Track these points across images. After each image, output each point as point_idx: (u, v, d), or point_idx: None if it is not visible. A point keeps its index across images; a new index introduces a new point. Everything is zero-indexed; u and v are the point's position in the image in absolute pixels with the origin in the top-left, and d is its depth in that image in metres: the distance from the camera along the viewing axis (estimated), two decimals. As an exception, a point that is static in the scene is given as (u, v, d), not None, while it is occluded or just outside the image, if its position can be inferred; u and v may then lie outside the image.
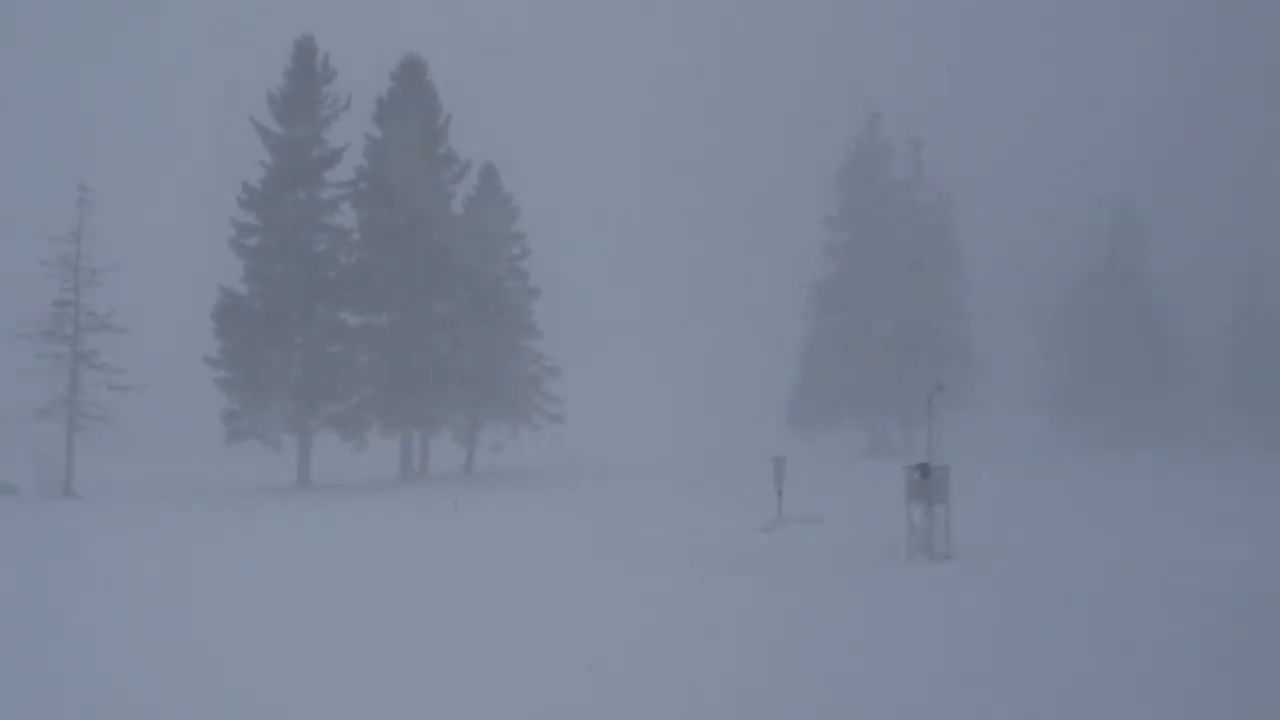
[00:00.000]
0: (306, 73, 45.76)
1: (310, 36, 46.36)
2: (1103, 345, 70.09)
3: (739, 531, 23.41)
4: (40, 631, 14.13)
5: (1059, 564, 18.31)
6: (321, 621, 14.62)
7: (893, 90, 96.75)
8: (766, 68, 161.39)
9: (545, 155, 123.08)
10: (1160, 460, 50.47)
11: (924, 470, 19.26)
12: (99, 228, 44.30)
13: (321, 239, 46.10)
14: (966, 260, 66.19)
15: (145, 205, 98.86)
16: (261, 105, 46.12)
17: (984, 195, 77.70)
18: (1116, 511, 27.58)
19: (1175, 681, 10.99)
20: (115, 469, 48.52)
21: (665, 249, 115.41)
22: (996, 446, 56.11)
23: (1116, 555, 19.23)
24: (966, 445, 47.91)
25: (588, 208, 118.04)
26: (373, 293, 46.38)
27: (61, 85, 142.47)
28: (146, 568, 20.00)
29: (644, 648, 12.67)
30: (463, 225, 49.33)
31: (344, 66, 47.15)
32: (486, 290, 49.20)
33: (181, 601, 16.31)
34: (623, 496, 35.23)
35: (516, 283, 51.22)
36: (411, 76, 48.60)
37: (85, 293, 43.50)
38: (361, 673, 11.65)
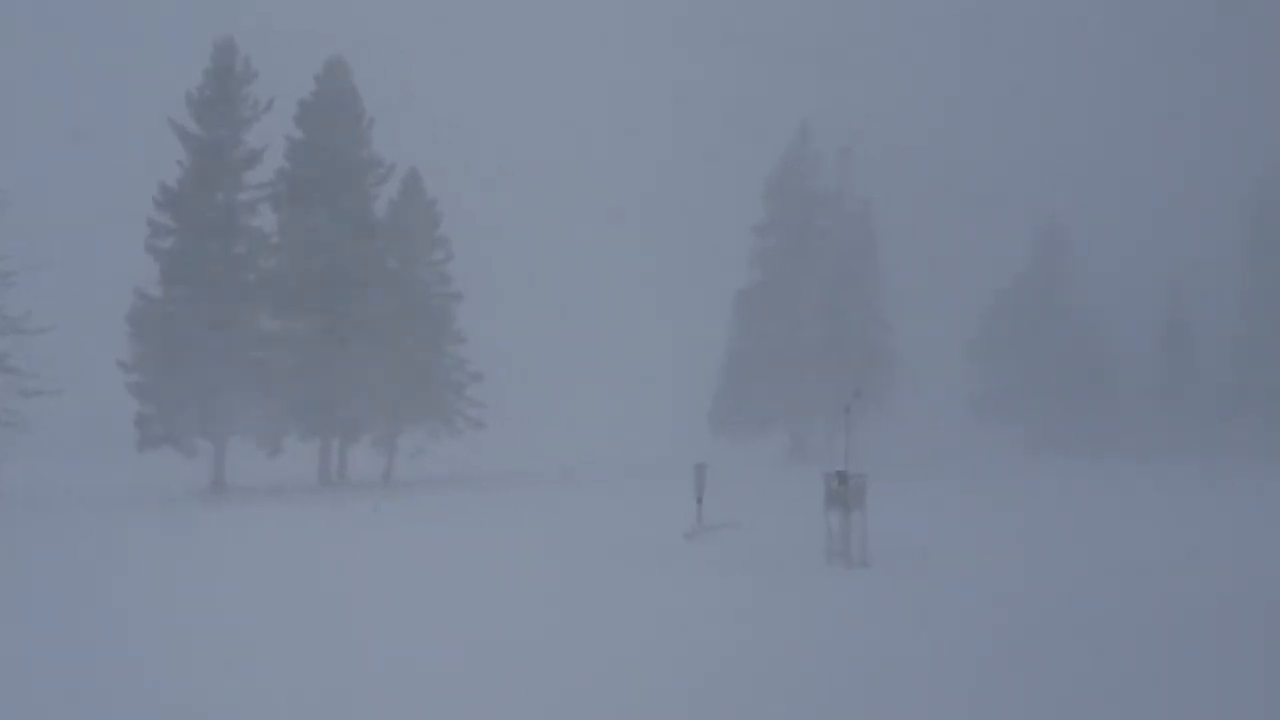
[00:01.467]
0: (226, 73, 45.06)
1: (230, 36, 45.69)
2: (1029, 353, 71.25)
3: (661, 537, 23.41)
4: None
5: (974, 571, 18.51)
6: (269, 627, 14.35)
7: (826, 101, 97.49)
8: (711, 72, 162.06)
9: (491, 157, 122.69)
10: (1084, 467, 51.45)
11: (841, 477, 19.39)
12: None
13: (240, 241, 45.38)
14: (893, 269, 66.88)
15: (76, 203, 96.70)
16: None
17: (913, 205, 78.62)
18: (1038, 518, 27.97)
19: (1088, 684, 11.11)
20: (18, 473, 47.29)
21: (603, 252, 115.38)
22: (922, 454, 56.82)
23: (1036, 562, 19.49)
24: (892, 452, 48.54)
25: (527, 209, 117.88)
26: (292, 296, 45.76)
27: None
28: (74, 574, 19.52)
29: (557, 652, 12.58)
30: (385, 229, 48.89)
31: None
32: (409, 295, 48.84)
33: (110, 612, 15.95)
34: (546, 502, 35.16)
35: (440, 287, 50.84)
36: (335, 78, 48.03)
37: (-4, 294, 42.39)
38: (311, 676, 11.46)
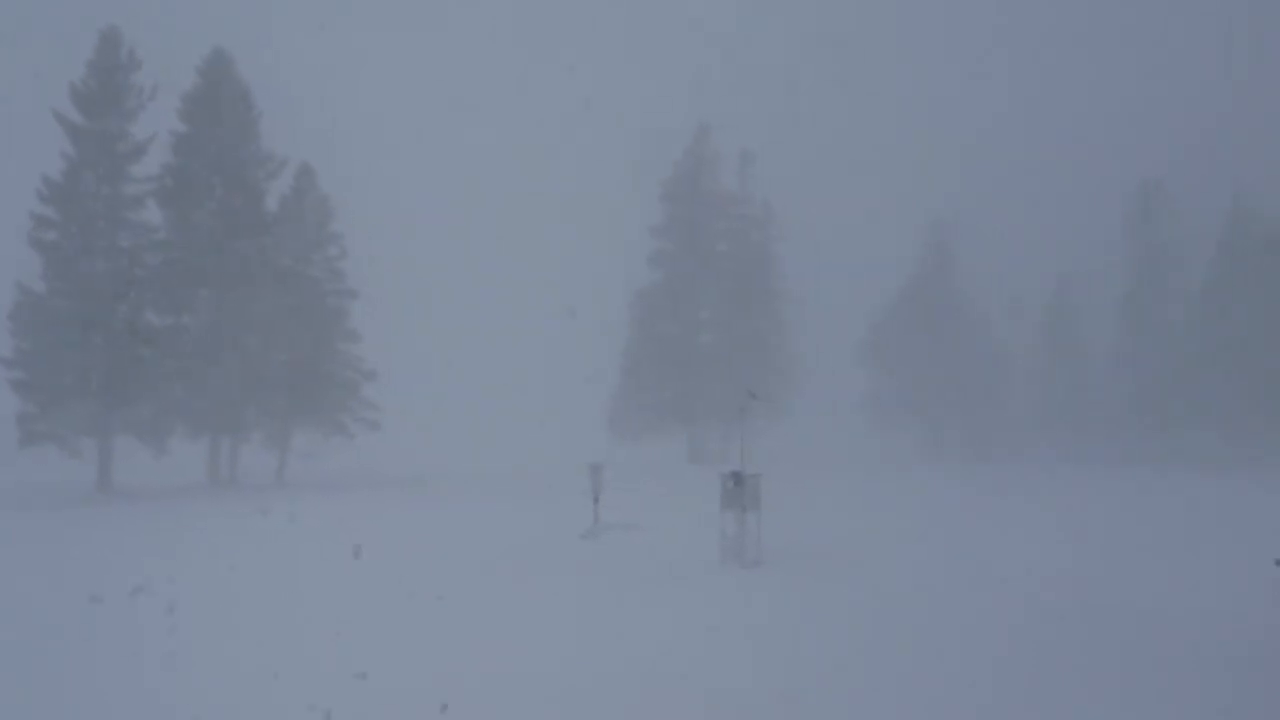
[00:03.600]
0: (111, 63, 43.91)
1: (115, 26, 44.51)
2: (917, 357, 72.30)
3: (557, 538, 23.37)
4: None
5: (865, 571, 18.77)
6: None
7: (724, 101, 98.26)
8: (610, 70, 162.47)
9: (385, 154, 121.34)
10: (972, 470, 52.51)
11: (737, 478, 19.53)
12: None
13: (125, 235, 44.23)
14: (789, 272, 67.43)
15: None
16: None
17: (809, 208, 79.44)
18: (925, 519, 28.43)
19: (969, 677, 11.32)
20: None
21: (498, 252, 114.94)
22: (815, 455, 57.50)
23: (922, 561, 19.81)
24: (786, 453, 48.99)
25: (422, 210, 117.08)
26: (180, 292, 44.73)
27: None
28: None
29: (452, 653, 12.48)
30: (276, 225, 48.03)
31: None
32: (301, 292, 48.03)
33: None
34: (443, 503, 34.89)
35: (334, 285, 50.06)
36: (217, 71, 47.03)
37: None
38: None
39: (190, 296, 45.14)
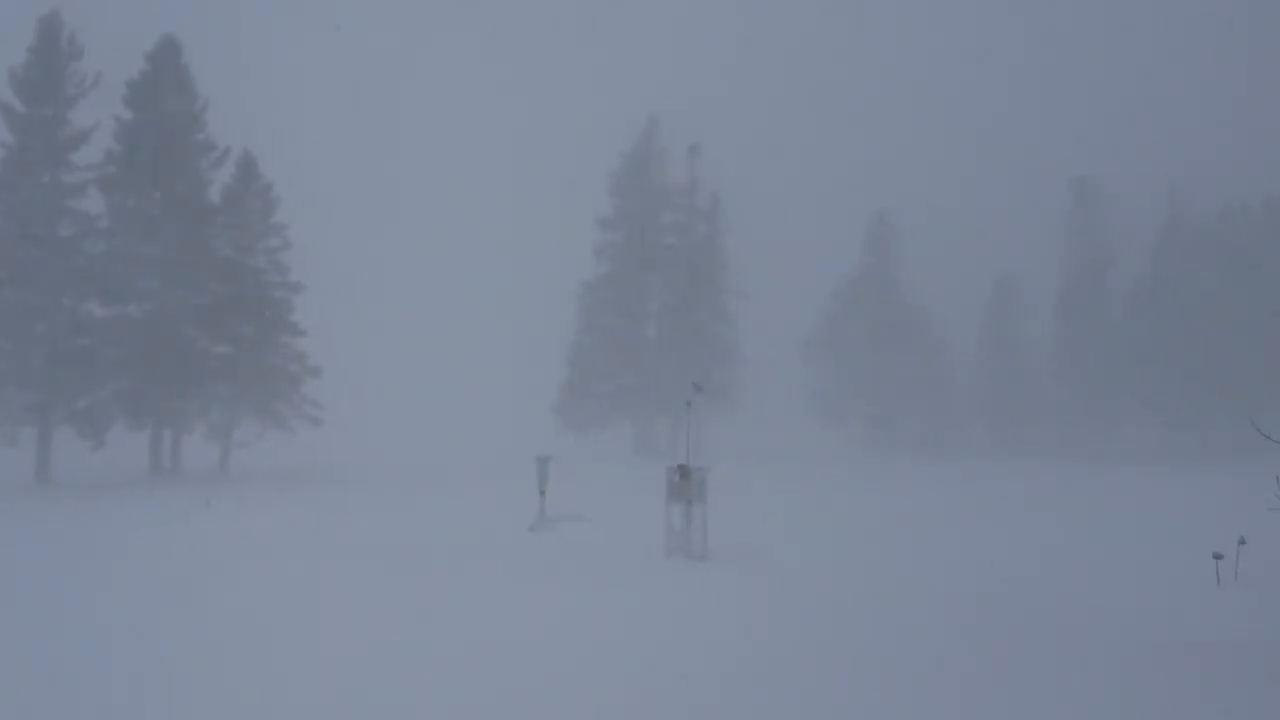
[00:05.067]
0: (51, 49, 43.28)
1: (56, 11, 43.89)
2: (862, 352, 72.82)
3: (504, 530, 23.36)
4: None
5: (812, 565, 18.91)
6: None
7: (674, 92, 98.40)
8: (559, 63, 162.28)
9: (332, 145, 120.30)
10: (914, 464, 53.02)
11: (683, 471, 19.57)
12: None
13: (66, 224, 43.64)
14: (736, 265, 67.63)
15: None
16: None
17: (757, 201, 79.84)
18: (873, 515, 28.69)
19: (919, 676, 11.45)
20: None
21: (444, 246, 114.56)
22: (762, 448, 57.73)
23: (869, 557, 19.98)
24: (734, 447, 49.22)
25: (373, 199, 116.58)
26: (121, 282, 44.16)
27: None
28: None
29: (399, 646, 12.45)
30: (219, 214, 47.52)
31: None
32: (243, 283, 47.49)
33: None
34: (388, 495, 34.74)
35: (277, 276, 49.50)
36: (166, 58, 46.44)
37: None
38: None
39: (132, 286, 44.57)
